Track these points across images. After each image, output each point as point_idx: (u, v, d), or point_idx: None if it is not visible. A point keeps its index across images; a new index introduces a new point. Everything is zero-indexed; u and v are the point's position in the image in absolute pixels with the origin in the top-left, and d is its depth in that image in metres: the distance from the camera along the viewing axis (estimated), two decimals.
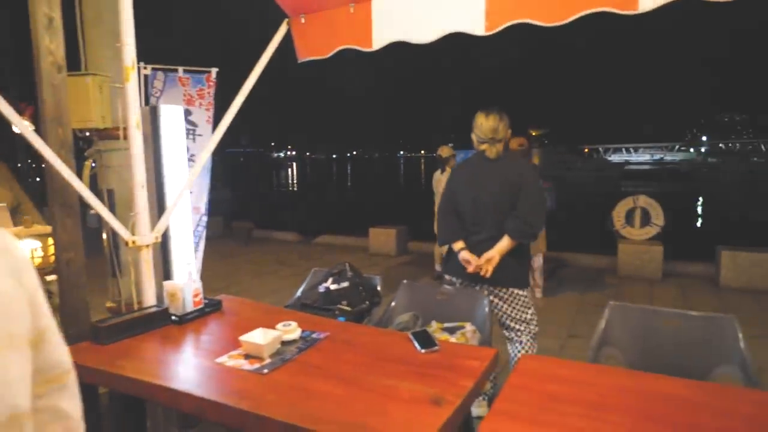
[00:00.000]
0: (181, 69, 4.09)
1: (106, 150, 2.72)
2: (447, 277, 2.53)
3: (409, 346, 1.73)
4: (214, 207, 4.23)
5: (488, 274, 2.33)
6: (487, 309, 2.25)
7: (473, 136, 2.51)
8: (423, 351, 1.68)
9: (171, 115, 2.68)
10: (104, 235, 2.84)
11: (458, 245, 2.41)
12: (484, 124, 2.43)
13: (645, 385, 1.42)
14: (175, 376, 1.53)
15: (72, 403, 0.72)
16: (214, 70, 4.12)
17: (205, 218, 4.05)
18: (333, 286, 2.38)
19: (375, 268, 6.06)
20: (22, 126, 1.64)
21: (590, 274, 5.66)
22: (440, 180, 5.21)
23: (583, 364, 1.64)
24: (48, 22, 1.78)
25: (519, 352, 2.46)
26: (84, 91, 2.40)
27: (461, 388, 1.40)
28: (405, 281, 2.48)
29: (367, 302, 2.39)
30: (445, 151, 5.21)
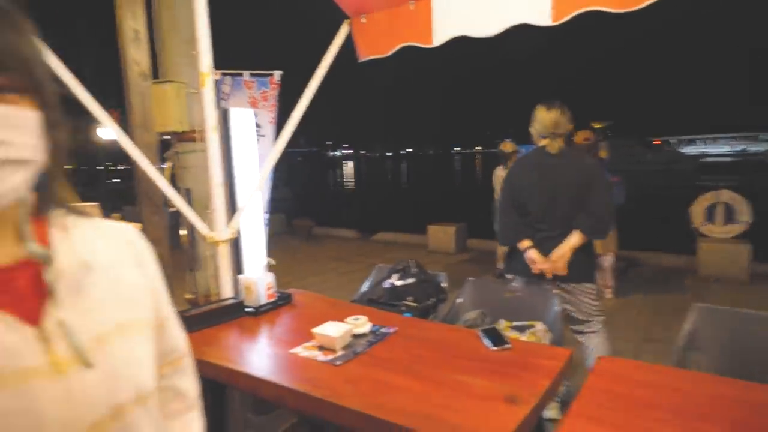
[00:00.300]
0: (246, 73, 4.26)
1: (184, 152, 2.89)
2: (510, 276, 2.49)
3: (479, 344, 1.72)
4: (275, 205, 4.38)
5: (562, 272, 2.28)
6: (557, 308, 2.19)
7: (532, 130, 2.44)
8: (494, 348, 1.66)
9: (241, 118, 2.81)
10: (182, 232, 3.02)
11: (524, 244, 2.36)
12: (546, 117, 2.36)
13: (741, 394, 1.32)
14: (254, 363, 1.61)
15: (189, 383, 0.79)
16: (277, 73, 4.26)
17: (266, 216, 4.22)
18: (398, 283, 2.40)
19: (434, 265, 6.04)
20: (116, 130, 1.77)
21: (665, 275, 5.34)
22: (501, 176, 5.12)
23: (667, 368, 1.55)
24: (134, 34, 1.91)
25: (596, 343, 2.39)
26: (163, 97, 2.56)
27: (537, 387, 1.37)
28: (471, 278, 2.46)
29: (433, 299, 2.39)
30: (507, 147, 5.10)
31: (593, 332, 2.43)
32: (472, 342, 1.74)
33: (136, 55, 1.91)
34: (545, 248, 2.31)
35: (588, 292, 2.38)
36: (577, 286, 2.35)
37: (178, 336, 0.77)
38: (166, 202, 2.10)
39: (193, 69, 3.03)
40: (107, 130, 1.86)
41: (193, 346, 1.87)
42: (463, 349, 1.68)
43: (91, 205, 2.95)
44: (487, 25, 2.14)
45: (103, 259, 0.62)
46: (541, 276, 2.33)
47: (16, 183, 0.50)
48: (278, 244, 7.50)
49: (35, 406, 0.49)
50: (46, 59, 0.55)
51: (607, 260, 4.43)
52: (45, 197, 0.59)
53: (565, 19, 1.96)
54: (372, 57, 2.55)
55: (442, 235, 7.13)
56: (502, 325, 2.23)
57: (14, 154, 0.49)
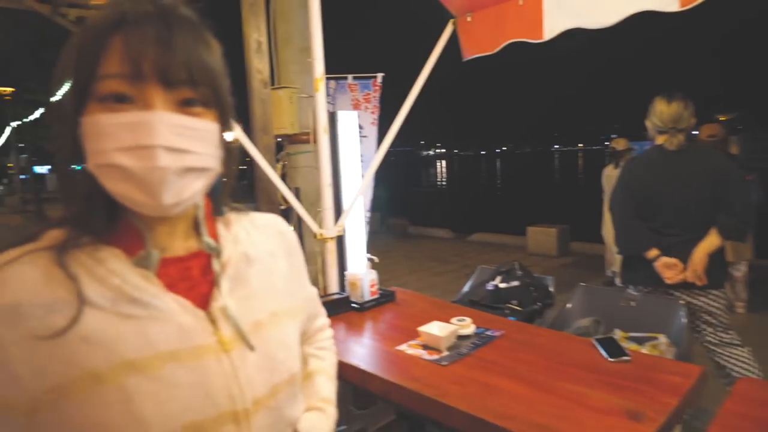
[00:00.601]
0: (350, 77, 4.42)
1: (294, 153, 3.07)
2: (629, 288, 2.30)
3: (594, 353, 1.62)
4: (372, 203, 4.48)
5: (703, 281, 2.07)
6: (684, 319, 1.99)
7: (649, 124, 2.23)
8: (611, 360, 1.56)
9: (347, 120, 2.91)
10: (291, 227, 3.21)
11: (653, 253, 2.14)
12: (665, 111, 2.15)
13: None
14: (362, 358, 1.66)
15: (330, 354, 0.88)
16: (380, 76, 4.36)
17: (368, 214, 4.33)
18: (502, 285, 2.34)
19: (535, 268, 5.76)
20: (240, 134, 1.94)
21: None
22: (611, 176, 4.77)
23: None
24: (257, 46, 2.07)
25: (733, 362, 2.14)
26: (278, 102, 2.75)
27: (664, 405, 1.26)
28: (583, 284, 2.32)
29: (539, 303, 2.29)
30: (620, 144, 4.73)
31: (730, 348, 2.17)
32: (586, 351, 1.64)
33: (258, 65, 2.07)
34: (674, 255, 2.11)
35: (719, 301, 2.14)
36: (707, 294, 2.11)
37: (321, 311, 0.88)
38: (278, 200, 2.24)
39: (304, 75, 3.23)
40: (229, 134, 2.02)
41: None
42: (576, 357, 1.60)
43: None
44: (605, 14, 2.01)
45: (260, 252, 0.67)
46: (666, 284, 2.12)
47: (197, 189, 0.55)
48: (374, 242, 7.66)
49: (207, 380, 0.55)
50: (227, 75, 0.59)
51: (740, 270, 3.94)
52: (217, 198, 0.65)
53: (696, 3, 1.78)
54: (477, 55, 2.51)
55: (543, 237, 6.82)
56: (618, 335, 2.08)
57: (198, 163, 0.54)
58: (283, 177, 3.13)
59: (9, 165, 23.23)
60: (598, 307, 2.25)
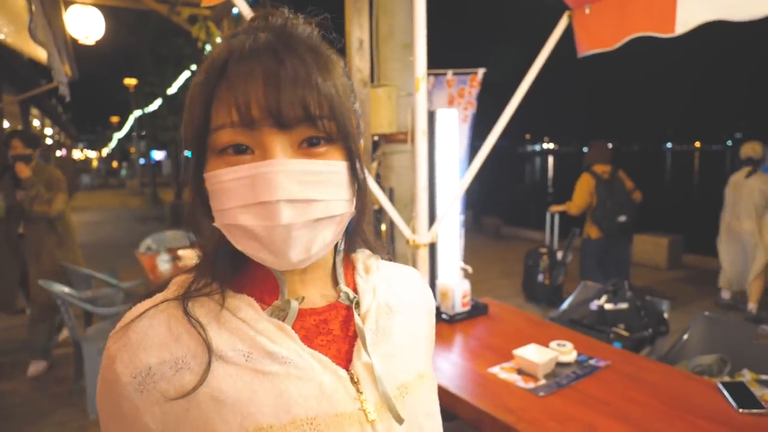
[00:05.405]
0: (450, 72, 4.29)
1: (390, 152, 3.04)
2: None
3: (719, 400, 1.41)
4: (465, 202, 4.34)
5: None
6: None
7: None
8: (741, 411, 1.34)
9: (446, 120, 2.81)
10: (383, 227, 3.20)
11: None
12: None
13: None
14: (452, 379, 1.59)
15: None
16: (481, 71, 4.18)
17: (461, 217, 4.20)
18: (608, 306, 2.13)
19: (640, 280, 5.29)
20: None
21: None
22: (739, 184, 4.16)
23: None
24: (359, 44, 2.04)
25: None
26: (377, 100, 2.73)
27: None
28: (706, 313, 2.04)
29: (650, 330, 2.06)
30: (754, 150, 4.10)
31: None
32: (710, 396, 1.43)
33: (359, 64, 2.05)
34: None
35: None
36: None
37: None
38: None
39: (404, 72, 3.18)
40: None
41: None
42: (698, 403, 1.40)
43: None
44: (753, 4, 1.72)
45: (402, 303, 0.60)
46: None
47: (329, 240, 0.49)
48: (466, 241, 7.51)
49: None
50: (352, 93, 0.51)
51: None
52: (352, 242, 0.59)
53: None
54: (595, 51, 2.29)
55: (651, 247, 6.22)
56: (747, 377, 1.80)
57: (327, 212, 0.47)
58: (377, 177, 3.12)
59: (131, 150, 26.02)
60: (722, 341, 1.96)
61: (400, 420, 0.50)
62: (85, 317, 3.40)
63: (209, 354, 0.46)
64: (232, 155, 0.45)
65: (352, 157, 0.49)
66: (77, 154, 29.35)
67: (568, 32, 2.35)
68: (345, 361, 0.52)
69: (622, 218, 4.04)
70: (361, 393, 0.50)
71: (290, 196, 0.44)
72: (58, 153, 17.90)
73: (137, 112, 15.89)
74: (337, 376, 0.49)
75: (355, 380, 0.50)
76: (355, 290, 0.56)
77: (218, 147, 0.46)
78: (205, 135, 0.46)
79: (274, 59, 0.45)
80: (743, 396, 1.41)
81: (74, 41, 3.71)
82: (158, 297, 0.50)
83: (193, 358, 0.46)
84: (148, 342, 0.46)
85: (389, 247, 3.11)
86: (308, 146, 0.46)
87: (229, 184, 0.45)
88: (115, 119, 27.66)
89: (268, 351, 0.47)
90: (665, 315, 2.16)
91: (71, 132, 23.56)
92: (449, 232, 2.67)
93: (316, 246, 0.47)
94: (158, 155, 20.99)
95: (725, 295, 4.49)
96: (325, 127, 0.46)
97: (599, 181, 4.11)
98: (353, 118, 0.51)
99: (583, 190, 4.13)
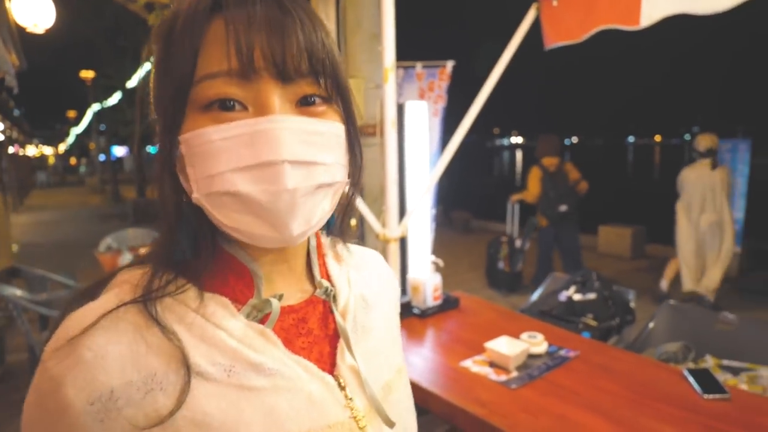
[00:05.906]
0: (419, 65, 4.26)
1: None
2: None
3: (685, 387, 1.43)
4: (436, 197, 4.34)
5: None
6: None
7: None
8: (706, 396, 1.37)
9: (415, 112, 2.78)
10: (353, 222, 3.16)
11: None
12: None
13: None
14: (424, 374, 1.57)
15: None
16: (449, 63, 4.17)
17: (432, 211, 4.19)
18: (576, 296, 2.16)
19: (605, 270, 5.41)
20: None
21: None
22: (705, 176, 4.18)
23: None
24: None
25: None
26: None
27: None
28: (671, 301, 2.09)
29: (617, 319, 2.09)
30: (708, 141, 4.16)
31: None
32: (676, 383, 1.46)
33: None
34: None
35: None
36: None
37: None
38: None
39: (372, 64, 3.13)
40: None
41: None
42: (665, 390, 1.42)
43: None
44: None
45: (375, 294, 0.55)
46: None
47: (326, 211, 0.43)
48: (435, 236, 7.54)
49: None
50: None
51: None
52: (336, 226, 0.52)
53: None
54: (561, 43, 2.30)
55: (615, 238, 6.39)
56: (710, 363, 1.85)
57: (328, 177, 0.41)
58: None
59: (91, 146, 25.05)
60: (686, 328, 2.01)
61: (390, 424, 0.47)
62: (40, 321, 3.23)
63: (187, 370, 0.38)
64: (219, 112, 0.39)
65: (349, 120, 0.45)
66: (32, 151, 28.07)
67: (536, 25, 2.36)
68: (328, 364, 0.47)
69: (563, 207, 4.32)
70: (351, 399, 0.45)
71: (294, 156, 0.39)
72: (11, 149, 17.09)
73: (96, 106, 15.29)
74: (324, 383, 0.44)
75: (343, 386, 0.45)
76: (332, 283, 0.51)
77: (204, 101, 0.39)
78: (188, 86, 0.39)
79: (276, 6, 0.39)
80: (708, 382, 1.44)
81: (21, 29, 3.49)
82: (109, 300, 0.40)
83: (165, 376, 0.38)
84: (109, 359, 0.37)
85: (360, 242, 3.07)
86: (305, 105, 0.41)
87: (220, 144, 0.38)
88: (72, 114, 26.54)
89: (252, 363, 0.41)
90: (632, 304, 2.20)
91: (24, 128, 22.55)
92: (420, 225, 2.65)
93: (316, 217, 0.42)
94: (119, 151, 20.28)
95: (664, 286, 4.59)
96: (327, 85, 0.41)
97: (545, 173, 4.41)
98: (348, 86, 0.46)
99: (534, 180, 4.48)
